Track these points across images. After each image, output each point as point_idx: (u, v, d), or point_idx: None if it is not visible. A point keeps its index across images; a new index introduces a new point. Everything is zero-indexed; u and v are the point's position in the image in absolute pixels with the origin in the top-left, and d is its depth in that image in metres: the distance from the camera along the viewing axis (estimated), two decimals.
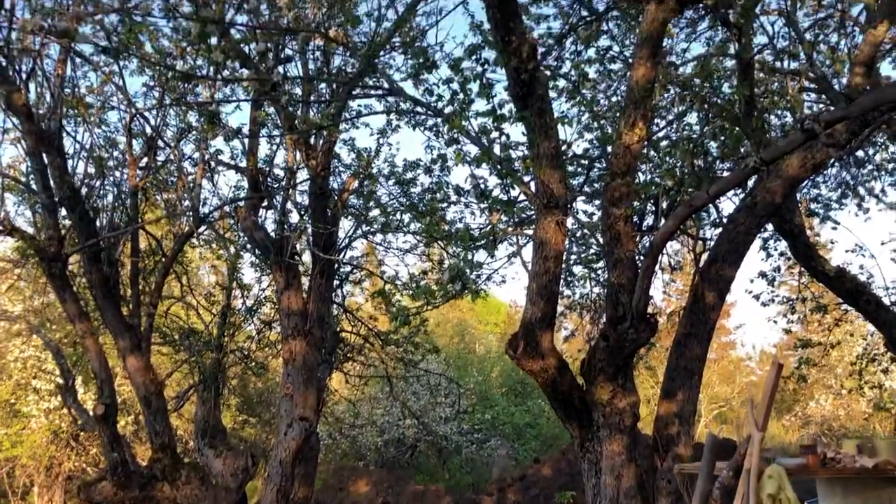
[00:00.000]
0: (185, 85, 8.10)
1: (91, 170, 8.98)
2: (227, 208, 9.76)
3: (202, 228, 9.72)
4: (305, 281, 9.55)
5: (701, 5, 7.74)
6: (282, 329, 8.98)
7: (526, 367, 5.98)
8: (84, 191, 8.77)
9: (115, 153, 9.54)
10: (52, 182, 8.16)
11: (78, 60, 8.62)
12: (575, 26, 8.14)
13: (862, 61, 6.19)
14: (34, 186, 8.32)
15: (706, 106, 7.85)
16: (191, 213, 9.18)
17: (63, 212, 8.58)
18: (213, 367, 10.22)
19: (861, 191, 10.44)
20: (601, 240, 6.41)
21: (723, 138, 8.07)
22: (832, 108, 8.69)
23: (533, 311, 5.86)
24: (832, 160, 8.54)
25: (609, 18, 8.45)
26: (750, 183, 7.41)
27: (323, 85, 9.01)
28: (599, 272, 9.74)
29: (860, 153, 9.86)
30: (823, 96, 8.76)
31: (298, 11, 7.45)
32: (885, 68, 9.09)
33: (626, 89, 6.07)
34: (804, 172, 6.46)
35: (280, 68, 8.38)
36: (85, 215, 8.40)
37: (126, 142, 9.05)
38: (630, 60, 7.56)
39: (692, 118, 8.62)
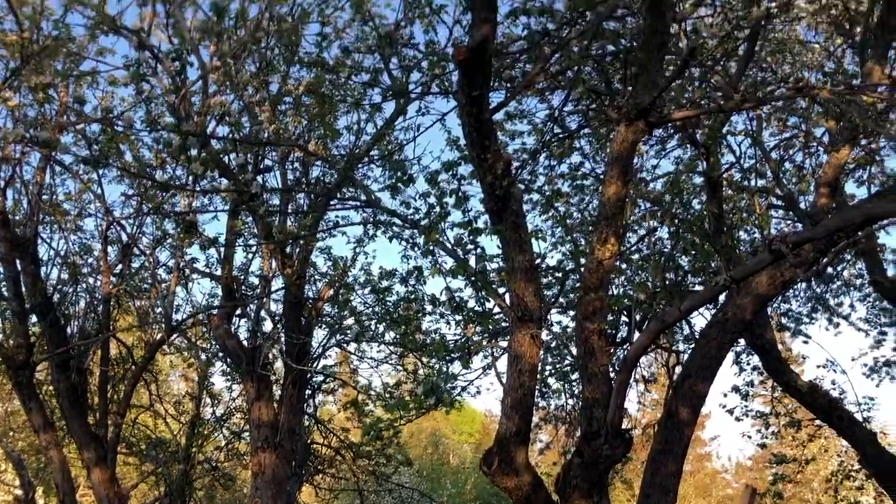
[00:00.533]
0: (164, 194, 8.18)
1: (65, 276, 8.94)
2: (200, 316, 9.70)
3: (174, 336, 9.63)
4: (277, 390, 9.42)
5: (669, 124, 8.00)
6: (251, 441, 8.80)
7: (500, 484, 5.88)
8: (56, 297, 8.70)
9: (90, 260, 9.53)
10: (23, 289, 8.10)
11: (57, 168, 8.70)
12: (548, 143, 8.36)
13: (826, 182, 6.39)
14: (5, 293, 8.25)
15: (676, 222, 8.01)
16: (163, 321, 9.11)
17: (33, 318, 8.49)
18: (180, 478, 9.95)
19: (831, 304, 10.62)
20: (575, 352, 6.41)
21: (693, 253, 8.21)
22: (799, 227, 8.92)
23: (508, 425, 5.80)
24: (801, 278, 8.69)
25: (581, 136, 8.70)
26: (721, 298, 7.50)
27: (301, 194, 9.12)
28: (574, 384, 9.71)
29: (829, 269, 10.05)
30: (791, 213, 9.00)
31: (279, 125, 7.61)
32: (850, 187, 9.40)
33: (598, 205, 6.20)
34: (773, 290, 6.56)
35: (259, 178, 8.49)
36: (56, 322, 8.33)
37: (101, 249, 9.05)
38: (601, 176, 7.76)
39: (663, 233, 8.79)
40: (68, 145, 7.10)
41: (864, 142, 8.14)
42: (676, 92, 7.04)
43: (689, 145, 8.59)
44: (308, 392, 10.53)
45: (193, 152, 6.17)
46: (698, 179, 8.65)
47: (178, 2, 7.28)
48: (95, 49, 7.94)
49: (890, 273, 9.61)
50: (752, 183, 8.23)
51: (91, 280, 9.45)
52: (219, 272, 9.22)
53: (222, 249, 8.96)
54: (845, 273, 10.39)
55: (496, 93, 7.46)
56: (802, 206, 8.14)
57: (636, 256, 8.68)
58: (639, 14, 7.10)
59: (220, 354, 9.99)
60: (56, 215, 8.50)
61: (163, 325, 9.15)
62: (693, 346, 7.59)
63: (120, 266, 9.43)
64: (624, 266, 8.41)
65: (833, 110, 6.54)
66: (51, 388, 9.03)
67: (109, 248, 9.23)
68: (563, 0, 6.83)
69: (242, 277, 9.40)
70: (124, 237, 9.40)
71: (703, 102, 7.38)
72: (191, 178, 7.56)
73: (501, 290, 6.56)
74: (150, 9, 6.82)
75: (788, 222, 9.75)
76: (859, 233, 6.56)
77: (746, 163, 8.45)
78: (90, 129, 7.84)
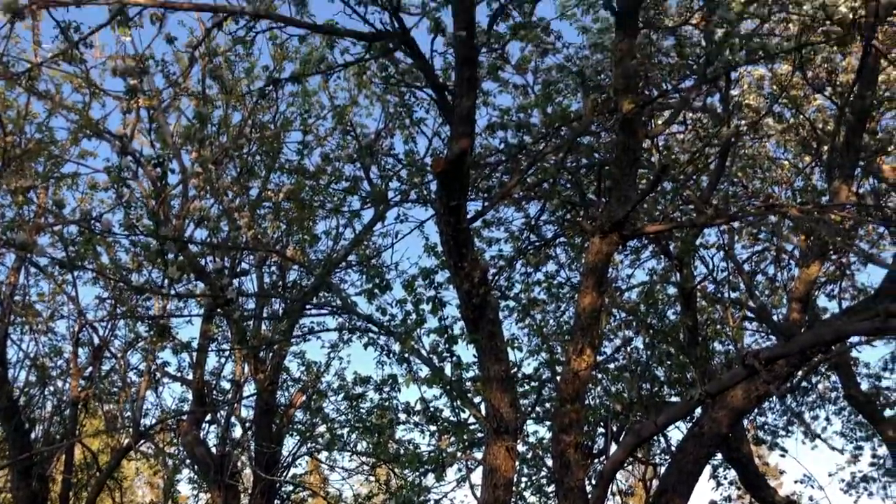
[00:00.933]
0: (138, 298, 8.13)
1: (32, 378, 8.77)
2: (169, 421, 9.50)
3: (141, 442, 9.40)
4: (245, 499, 9.15)
5: (643, 236, 8.13)
6: None
7: None
8: (22, 401, 8.51)
9: (60, 362, 9.37)
10: None
11: (32, 269, 8.65)
12: (524, 251, 8.44)
13: (798, 298, 6.47)
14: None
15: (651, 332, 8.04)
16: (131, 426, 8.90)
17: None
18: None
19: (807, 418, 10.60)
20: (551, 465, 6.32)
21: (669, 364, 8.22)
22: (773, 339, 8.97)
23: None
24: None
25: (557, 244, 8.80)
26: (697, 412, 7.46)
27: (276, 298, 9.09)
28: (551, 498, 9.51)
29: (803, 382, 10.07)
30: (764, 325, 9.06)
31: (257, 230, 7.66)
32: (822, 300, 9.53)
33: (574, 316, 6.22)
34: (748, 403, 6.54)
35: (235, 281, 8.48)
36: (20, 427, 8.11)
37: (72, 351, 8.91)
38: (577, 285, 7.81)
39: (638, 342, 8.81)
40: (45, 247, 7.08)
41: (834, 256, 8.30)
42: (649, 205, 7.18)
43: (662, 256, 8.71)
44: (277, 502, 10.24)
45: (171, 256, 6.17)
46: (672, 290, 8.73)
47: (162, 108, 7.43)
48: (77, 152, 8.06)
49: (864, 387, 9.66)
50: (726, 295, 8.32)
51: (59, 383, 9.28)
52: (190, 376, 9.09)
53: (195, 353, 8.85)
54: (820, 386, 10.42)
55: (473, 202, 7.58)
56: (775, 318, 8.21)
57: (612, 366, 8.66)
58: (612, 130, 7.32)
59: (188, 461, 9.72)
60: (28, 316, 8.40)
61: (130, 431, 8.94)
62: (669, 459, 7.51)
63: (90, 369, 9.27)
64: (600, 376, 8.39)
65: (803, 226, 6.69)
66: (9, 495, 8.71)
67: (80, 351, 9.10)
68: (539, 116, 7.03)
69: (214, 382, 9.26)
70: (96, 339, 9.28)
71: (675, 215, 7.52)
72: (166, 281, 7.53)
73: (477, 400, 6.50)
74: (133, 116, 6.96)
75: (762, 334, 9.82)
76: (833, 347, 6.61)
77: (719, 275, 8.56)
78: (67, 230, 7.85)
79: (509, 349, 6.30)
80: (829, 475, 10.97)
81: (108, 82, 8.48)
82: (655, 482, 7.92)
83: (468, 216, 6.03)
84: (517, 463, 6.20)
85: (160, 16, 5.18)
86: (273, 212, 8.21)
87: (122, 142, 6.32)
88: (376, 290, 6.65)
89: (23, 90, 6.94)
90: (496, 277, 8.28)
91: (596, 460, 7.95)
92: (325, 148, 8.48)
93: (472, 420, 7.25)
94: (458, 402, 6.53)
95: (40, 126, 7.50)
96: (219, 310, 7.66)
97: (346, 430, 8.85)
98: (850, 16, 5.79)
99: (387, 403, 8.62)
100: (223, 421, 9.14)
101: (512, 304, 8.71)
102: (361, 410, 9.10)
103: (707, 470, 9.83)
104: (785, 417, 10.34)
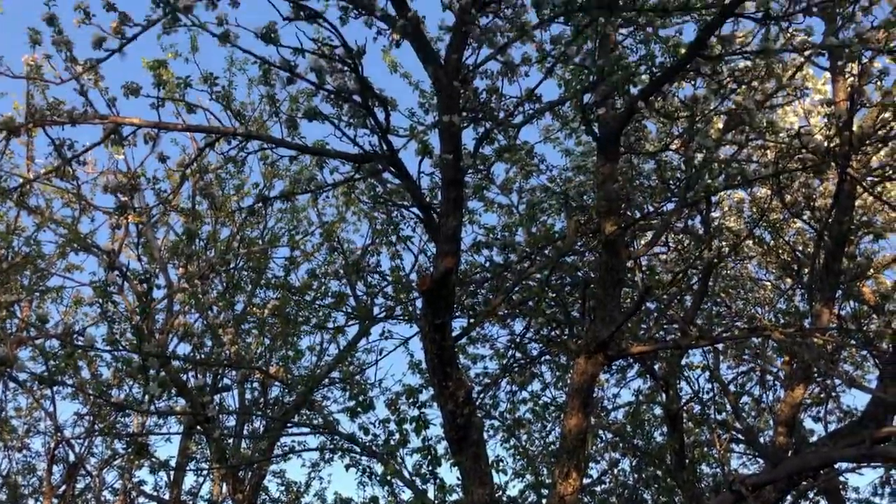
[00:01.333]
0: (117, 414, 8.00)
1: (3, 497, 8.51)
2: None
3: None
4: None
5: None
6: None
7: None
8: None
9: (33, 479, 9.12)
10: None
11: (11, 384, 8.54)
12: (509, 368, 8.41)
13: (783, 421, 6.44)
14: None
15: (638, 454, 7.94)
16: None
17: None
18: None
19: None
20: None
21: (656, 486, 8.08)
22: (760, 461, 8.85)
23: None
24: None
25: (542, 362, 8.76)
26: None
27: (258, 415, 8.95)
28: None
29: None
30: (751, 447, 8.96)
31: (241, 346, 7.62)
32: (808, 422, 9.45)
33: (560, 438, 6.14)
34: None
35: (217, 397, 8.37)
36: None
37: (46, 469, 8.70)
38: (562, 404, 7.74)
39: (625, 464, 8.68)
40: (24, 361, 7.01)
41: (818, 378, 8.29)
42: (633, 325, 7.21)
43: (648, 376, 8.68)
44: None
45: (152, 372, 6.11)
46: (658, 410, 8.67)
47: (151, 223, 7.51)
48: (64, 265, 8.09)
49: None
50: (712, 416, 8.26)
51: (31, 502, 9.00)
52: (167, 496, 8.84)
53: (172, 472, 8.64)
54: None
55: (458, 318, 7.59)
56: (761, 440, 8.14)
57: (599, 489, 8.50)
58: (595, 251, 7.42)
59: None
60: (3, 433, 8.22)
61: None
62: None
63: (63, 487, 9.01)
64: (587, 500, 8.22)
65: (786, 348, 6.70)
66: None
67: (55, 468, 8.86)
68: (524, 235, 7.13)
69: (191, 502, 9.00)
70: (71, 456, 9.06)
71: (660, 335, 7.55)
72: (146, 397, 7.43)
73: None
74: (122, 231, 7.02)
75: (749, 456, 9.70)
76: (820, 473, 6.53)
77: (705, 396, 8.52)
78: (49, 343, 7.78)
79: (494, 471, 6.18)
80: None
81: (98, 197, 8.59)
82: None
83: (453, 333, 6.02)
84: None
85: (154, 135, 5.30)
86: (258, 327, 8.18)
87: (109, 257, 6.36)
88: (359, 409, 6.58)
89: (13, 205, 7.01)
90: (481, 396, 8.21)
91: None
92: (312, 264, 8.55)
93: None
94: None
95: (28, 240, 7.55)
96: (198, 427, 7.53)
97: None
98: (826, 144, 6.00)
99: None
100: None
101: (497, 423, 8.61)
102: None
103: None
104: None
